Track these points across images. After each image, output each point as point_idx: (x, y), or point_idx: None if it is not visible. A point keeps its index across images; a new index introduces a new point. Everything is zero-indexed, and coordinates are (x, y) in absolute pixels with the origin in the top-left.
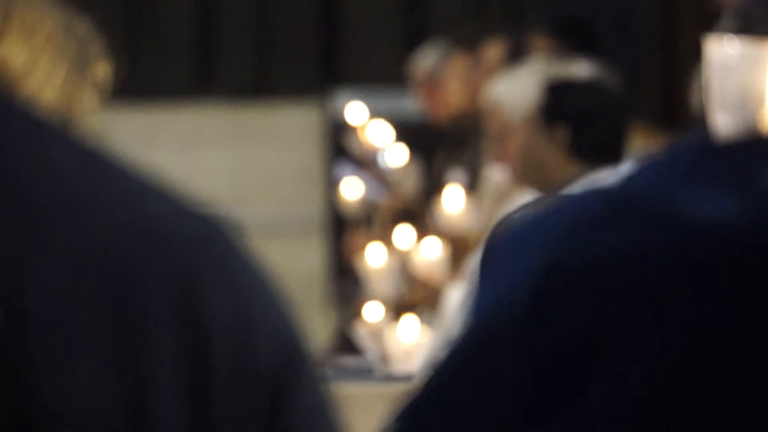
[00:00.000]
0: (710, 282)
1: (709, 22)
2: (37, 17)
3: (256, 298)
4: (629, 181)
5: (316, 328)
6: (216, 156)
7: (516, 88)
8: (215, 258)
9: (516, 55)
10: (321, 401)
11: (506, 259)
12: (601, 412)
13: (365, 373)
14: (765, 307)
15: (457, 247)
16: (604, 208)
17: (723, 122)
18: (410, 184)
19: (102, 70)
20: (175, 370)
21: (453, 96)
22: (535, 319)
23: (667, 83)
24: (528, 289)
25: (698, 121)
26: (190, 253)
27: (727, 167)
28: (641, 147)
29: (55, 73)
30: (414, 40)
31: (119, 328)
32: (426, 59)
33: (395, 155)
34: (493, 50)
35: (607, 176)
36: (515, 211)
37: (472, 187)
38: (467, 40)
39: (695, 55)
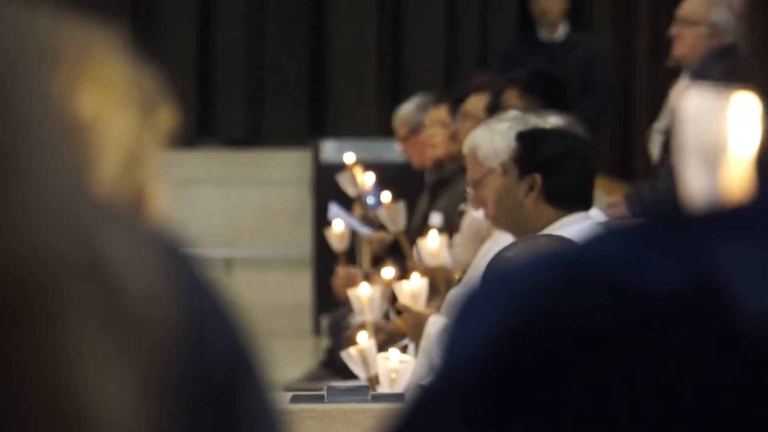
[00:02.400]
0: (644, 346)
1: (664, 81)
2: (109, 68)
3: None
4: (586, 246)
5: (305, 355)
6: (214, 196)
7: (494, 137)
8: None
9: (494, 108)
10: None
11: (474, 309)
12: None
13: (357, 393)
14: (690, 370)
15: (436, 280)
16: (555, 269)
17: (693, 177)
18: (398, 223)
19: (164, 119)
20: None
21: (435, 144)
22: (492, 372)
23: (625, 136)
24: (489, 343)
25: (655, 171)
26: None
27: (677, 238)
28: (600, 195)
29: (123, 121)
30: (393, 96)
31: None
32: (408, 112)
33: (382, 197)
34: (474, 103)
35: (577, 225)
36: (500, 260)
37: (450, 227)
38: (452, 95)
39: (650, 111)
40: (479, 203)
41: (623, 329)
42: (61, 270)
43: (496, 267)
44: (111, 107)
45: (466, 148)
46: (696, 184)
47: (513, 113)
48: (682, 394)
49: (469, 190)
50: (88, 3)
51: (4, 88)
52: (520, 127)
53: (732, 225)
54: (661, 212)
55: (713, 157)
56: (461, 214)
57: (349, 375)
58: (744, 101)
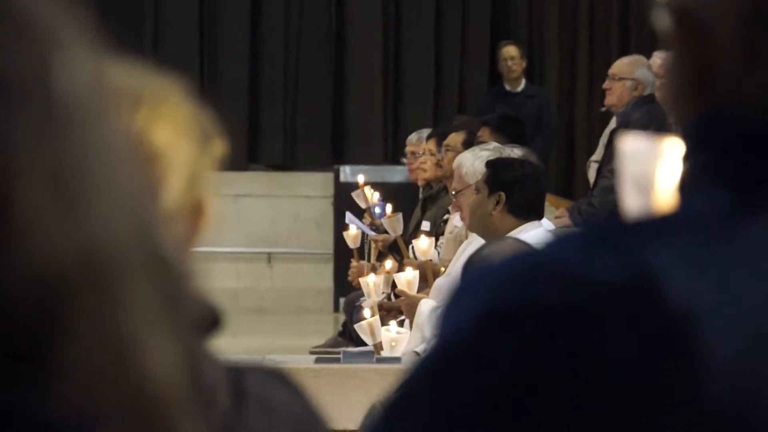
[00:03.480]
0: (590, 323)
1: (598, 123)
2: (178, 108)
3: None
4: (546, 248)
5: (327, 327)
6: (259, 207)
7: (475, 161)
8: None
9: (470, 143)
10: None
11: (461, 297)
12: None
13: (365, 356)
14: (623, 348)
15: (425, 271)
16: (522, 267)
17: (630, 201)
18: (397, 228)
19: (218, 149)
20: None
21: (425, 169)
22: (476, 347)
23: (568, 164)
24: (469, 326)
25: (591, 191)
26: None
27: (616, 241)
28: (549, 209)
29: (187, 149)
30: (394, 134)
31: None
32: (410, 143)
33: (385, 208)
34: (455, 139)
35: (532, 231)
36: (478, 256)
37: (436, 231)
38: (438, 133)
39: (587, 146)
40: (457, 207)
41: (574, 310)
42: (126, 260)
43: (476, 262)
44: (178, 138)
45: (454, 164)
46: (632, 204)
47: (494, 144)
48: (622, 362)
49: (452, 196)
50: (165, 60)
51: (89, 121)
52: (495, 156)
53: (658, 231)
54: (599, 222)
55: (645, 186)
56: (445, 222)
57: (360, 343)
58: (669, 144)
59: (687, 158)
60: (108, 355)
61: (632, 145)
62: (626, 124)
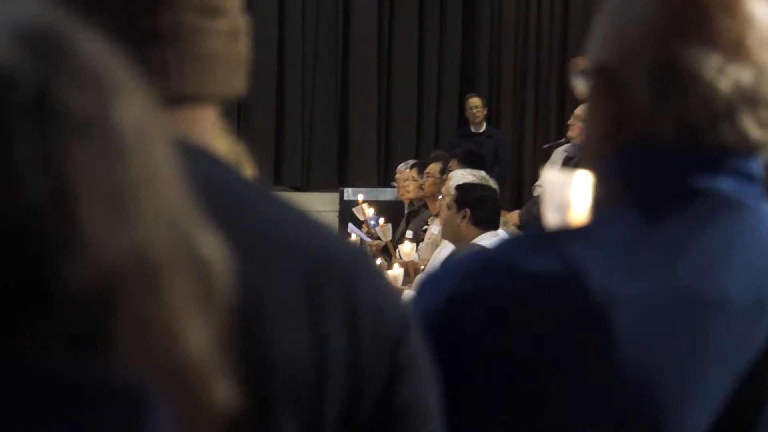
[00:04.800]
0: (528, 306)
1: (542, 157)
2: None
3: (384, 294)
4: (496, 248)
5: None
6: None
7: (462, 176)
8: (364, 273)
9: (443, 170)
10: (423, 350)
11: (430, 286)
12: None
13: None
14: (562, 326)
15: (408, 269)
16: (478, 263)
17: (550, 218)
18: (387, 236)
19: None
20: (340, 333)
21: (409, 191)
22: (441, 324)
23: (519, 189)
24: (436, 309)
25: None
26: (351, 269)
27: (549, 243)
28: (503, 223)
29: None
30: (386, 163)
31: (313, 307)
32: (398, 170)
33: (378, 221)
34: (433, 168)
35: (491, 239)
36: (447, 258)
37: (417, 238)
38: (420, 163)
39: (533, 175)
40: (439, 207)
41: (516, 295)
42: (168, 260)
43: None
44: None
45: (450, 176)
46: (552, 221)
47: (480, 173)
48: (554, 335)
49: (440, 198)
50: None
51: (139, 150)
52: (460, 182)
53: (580, 237)
54: (535, 230)
55: (562, 206)
56: (424, 231)
57: None
58: (582, 176)
59: (598, 185)
60: (153, 336)
61: (552, 177)
62: (567, 162)
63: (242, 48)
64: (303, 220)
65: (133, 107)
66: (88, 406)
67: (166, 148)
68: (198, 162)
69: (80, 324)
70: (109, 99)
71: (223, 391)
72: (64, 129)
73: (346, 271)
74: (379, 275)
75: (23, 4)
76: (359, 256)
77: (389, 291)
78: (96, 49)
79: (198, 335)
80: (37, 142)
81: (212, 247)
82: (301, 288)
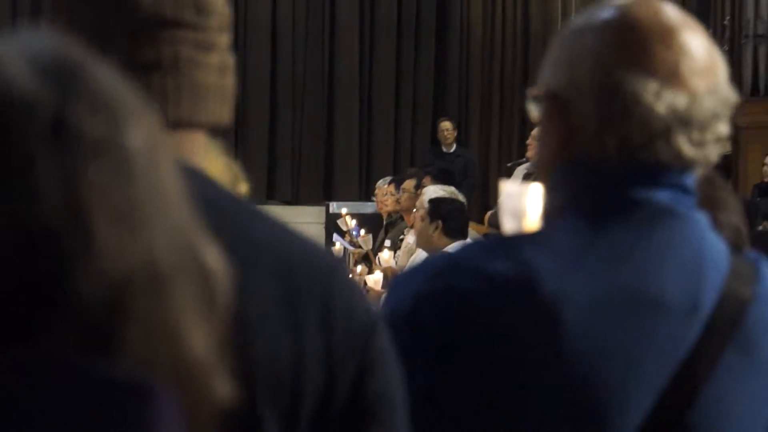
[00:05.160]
0: (484, 303)
1: (506, 174)
2: (215, 159)
3: (355, 298)
4: (459, 252)
5: None
6: None
7: (433, 191)
8: (337, 278)
9: (418, 186)
10: (389, 347)
11: (400, 286)
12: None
13: None
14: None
15: (387, 274)
16: (443, 265)
17: (507, 224)
18: (368, 244)
19: (243, 190)
20: (315, 332)
21: (387, 204)
22: (409, 319)
23: (485, 202)
24: (406, 305)
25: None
26: (327, 275)
27: (506, 247)
28: (471, 232)
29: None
30: (367, 179)
31: (291, 309)
32: (378, 186)
33: (360, 231)
34: (408, 184)
35: (458, 247)
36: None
37: (395, 247)
38: (396, 179)
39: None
40: (414, 219)
41: (475, 293)
42: (173, 268)
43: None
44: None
45: (423, 191)
46: (509, 228)
47: (450, 189)
48: (510, 326)
49: (414, 211)
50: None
51: (148, 170)
52: (438, 195)
53: (533, 242)
54: (493, 236)
55: (518, 215)
56: (401, 240)
57: None
58: (535, 188)
59: (550, 196)
60: (159, 336)
61: (509, 188)
62: (527, 179)
63: (230, 81)
64: (282, 231)
65: (142, 131)
66: (99, 397)
67: (171, 168)
68: (191, 180)
69: (93, 325)
70: (121, 124)
71: (222, 387)
72: (79, 151)
73: (321, 277)
74: (350, 280)
75: (41, 37)
76: (333, 263)
77: (359, 295)
78: (107, 78)
79: (200, 336)
80: (55, 164)
81: (213, 256)
82: (279, 291)
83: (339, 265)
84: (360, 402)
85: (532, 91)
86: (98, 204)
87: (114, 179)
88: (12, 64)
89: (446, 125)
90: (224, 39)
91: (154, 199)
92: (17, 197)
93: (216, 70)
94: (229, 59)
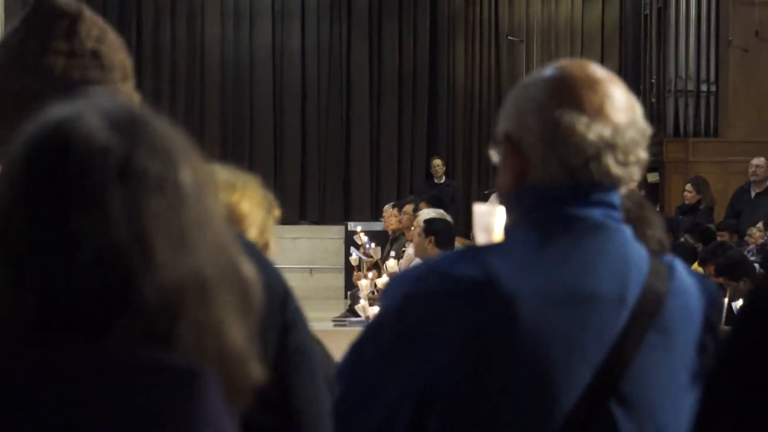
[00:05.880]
0: (455, 301)
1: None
2: (254, 190)
3: (272, 271)
4: (437, 260)
5: (341, 307)
6: (305, 244)
7: (427, 215)
8: (261, 259)
9: (416, 209)
10: (301, 311)
11: (393, 287)
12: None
13: (361, 323)
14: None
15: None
16: (423, 271)
17: (480, 237)
18: (377, 255)
19: (276, 213)
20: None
21: (391, 224)
22: (399, 314)
23: (468, 221)
24: (397, 302)
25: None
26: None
27: (473, 254)
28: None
29: (259, 213)
30: (376, 204)
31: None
32: (385, 210)
33: (371, 244)
34: (407, 208)
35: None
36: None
37: (398, 257)
38: (398, 204)
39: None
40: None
41: (447, 293)
42: (217, 279)
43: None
44: (255, 208)
45: (419, 215)
46: (480, 239)
47: (440, 211)
48: (475, 319)
49: (412, 228)
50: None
51: (197, 200)
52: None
53: (496, 251)
54: (466, 247)
55: (488, 229)
56: (403, 251)
57: (358, 316)
58: (499, 209)
59: (509, 215)
60: (205, 333)
61: (480, 208)
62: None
63: None
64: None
65: (191, 169)
66: (160, 378)
67: (215, 198)
68: None
69: (154, 323)
70: (175, 164)
71: (254, 369)
72: (142, 187)
73: (279, 291)
74: (266, 263)
75: (112, 97)
76: (255, 256)
77: (273, 271)
78: (163, 128)
79: (238, 331)
80: (123, 197)
81: (248, 269)
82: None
83: (256, 251)
84: (284, 353)
85: (492, 141)
86: (157, 229)
87: (170, 208)
88: (90, 119)
89: (437, 162)
90: (128, 85)
91: (201, 223)
92: (94, 223)
93: None
94: (135, 98)
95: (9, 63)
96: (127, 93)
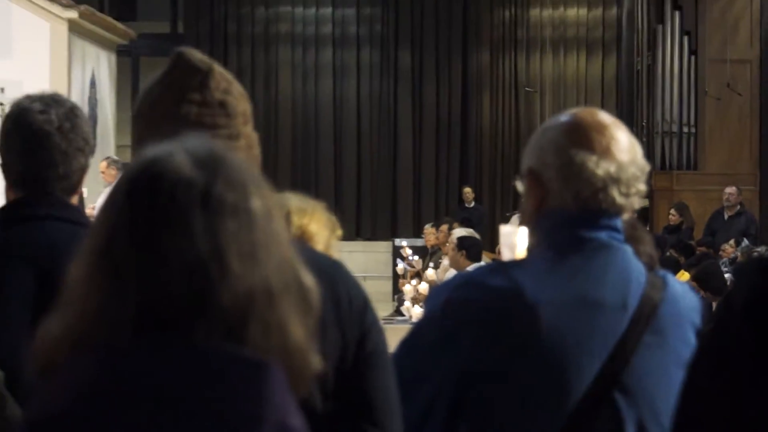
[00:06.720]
0: (487, 308)
1: (507, 221)
2: (321, 213)
3: (354, 285)
4: (472, 272)
5: (389, 308)
6: (361, 257)
7: (459, 233)
8: (341, 274)
9: (450, 228)
10: (377, 319)
11: (436, 294)
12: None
13: (407, 321)
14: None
15: (431, 286)
16: (461, 281)
17: (505, 254)
18: (419, 266)
19: (339, 233)
20: (330, 310)
21: (430, 240)
22: (441, 316)
23: (494, 238)
24: (440, 306)
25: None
26: (336, 276)
27: (502, 269)
28: (485, 258)
29: (325, 232)
30: (417, 224)
31: (332, 305)
32: (425, 228)
33: (414, 257)
34: (443, 227)
35: (476, 268)
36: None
37: (437, 268)
38: (436, 224)
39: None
40: (447, 249)
41: (484, 302)
42: (283, 287)
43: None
44: (321, 228)
45: (452, 234)
46: (506, 257)
47: (470, 230)
48: (503, 324)
49: (447, 244)
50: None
51: (266, 222)
52: (462, 234)
53: (521, 266)
54: (497, 262)
55: (512, 248)
56: (439, 263)
57: (403, 315)
58: (521, 230)
59: (531, 236)
60: (272, 332)
61: (506, 229)
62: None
63: (256, 151)
64: (313, 256)
65: (261, 197)
66: (234, 368)
67: (281, 220)
68: None
69: (229, 324)
70: (247, 193)
71: (315, 362)
72: (220, 212)
73: (334, 278)
74: (350, 275)
75: (199, 139)
76: (338, 268)
77: (355, 284)
78: (238, 162)
79: (300, 330)
80: (204, 220)
81: (308, 278)
82: (325, 294)
83: (342, 268)
84: (362, 355)
85: (518, 174)
86: (232, 246)
87: (242, 230)
88: (179, 157)
89: (467, 190)
90: (248, 127)
91: (269, 242)
92: (180, 240)
93: (244, 149)
94: (253, 137)
95: (150, 110)
96: (248, 134)
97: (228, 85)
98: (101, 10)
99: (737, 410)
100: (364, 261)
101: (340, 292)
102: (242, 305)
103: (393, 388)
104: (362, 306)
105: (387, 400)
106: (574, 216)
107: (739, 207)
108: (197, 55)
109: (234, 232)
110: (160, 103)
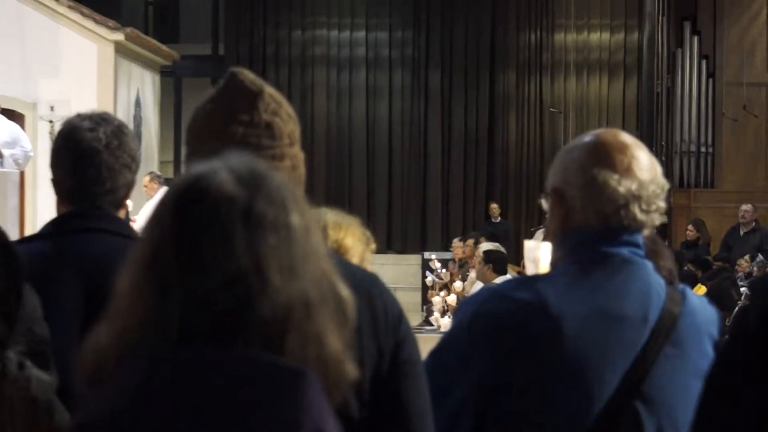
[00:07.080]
0: (513, 320)
1: (531, 236)
2: (356, 228)
3: (389, 297)
4: (499, 285)
5: (418, 317)
6: (391, 268)
7: (479, 251)
8: (378, 287)
9: (476, 242)
10: (411, 329)
11: (465, 306)
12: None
13: (435, 331)
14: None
15: (459, 297)
16: (488, 294)
17: (529, 268)
18: (447, 278)
19: (372, 246)
20: (367, 321)
21: (458, 254)
22: (469, 327)
23: (519, 251)
24: (466, 319)
25: None
26: (372, 288)
27: (527, 282)
28: (510, 271)
29: (359, 246)
30: (445, 239)
31: (369, 316)
32: (453, 242)
33: (442, 269)
34: (469, 241)
35: (502, 281)
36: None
37: (464, 280)
38: (463, 238)
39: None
40: (473, 263)
41: (510, 314)
42: (319, 298)
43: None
44: (356, 242)
45: (478, 248)
46: (530, 271)
47: (496, 245)
48: (531, 335)
49: (474, 257)
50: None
51: (304, 237)
52: (489, 248)
53: (544, 280)
54: (522, 276)
55: (536, 262)
56: (467, 276)
57: (431, 325)
58: (545, 246)
59: (554, 251)
60: (310, 342)
61: (530, 244)
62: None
63: (301, 170)
64: (351, 269)
65: (299, 213)
66: (274, 376)
67: (319, 235)
68: None
69: (270, 334)
70: (287, 210)
71: (351, 371)
72: (260, 228)
73: (371, 290)
74: (386, 288)
75: (238, 156)
76: (375, 281)
77: (391, 296)
78: (279, 180)
79: (335, 340)
80: (245, 235)
81: (345, 290)
82: (361, 305)
83: (378, 281)
84: (397, 363)
85: (544, 192)
86: (272, 260)
87: (282, 244)
88: (222, 175)
89: (494, 206)
90: (294, 148)
91: (307, 256)
92: (223, 254)
93: (289, 169)
94: (299, 157)
95: (200, 128)
96: (293, 155)
97: (277, 107)
98: (146, 33)
99: (750, 421)
100: (395, 273)
101: (377, 304)
102: (281, 317)
103: (426, 396)
104: (397, 317)
105: (420, 407)
106: (596, 232)
107: (754, 224)
108: (249, 76)
109: (274, 246)
110: (211, 121)
